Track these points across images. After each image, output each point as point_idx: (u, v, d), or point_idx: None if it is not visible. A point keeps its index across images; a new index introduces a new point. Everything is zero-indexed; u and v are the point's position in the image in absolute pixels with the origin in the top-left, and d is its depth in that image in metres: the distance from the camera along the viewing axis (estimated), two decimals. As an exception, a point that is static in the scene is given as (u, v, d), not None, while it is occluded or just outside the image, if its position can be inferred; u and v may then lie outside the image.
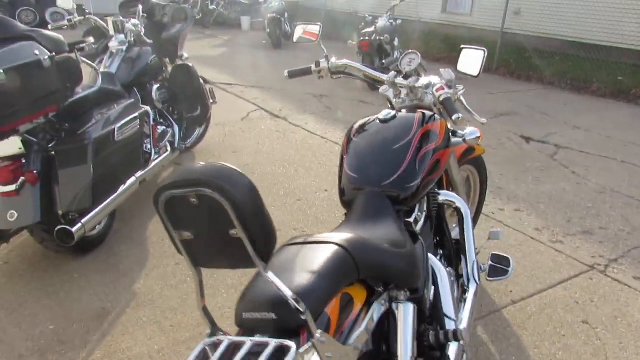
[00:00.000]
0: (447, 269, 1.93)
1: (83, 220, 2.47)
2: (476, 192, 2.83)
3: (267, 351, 0.98)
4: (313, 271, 1.14)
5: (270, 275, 0.98)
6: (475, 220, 2.89)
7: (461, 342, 1.50)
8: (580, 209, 3.63)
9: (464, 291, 1.99)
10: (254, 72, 8.07)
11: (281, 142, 4.77)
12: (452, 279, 1.95)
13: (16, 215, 2.34)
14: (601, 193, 3.91)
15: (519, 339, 2.29)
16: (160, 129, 3.49)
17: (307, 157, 4.40)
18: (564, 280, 2.75)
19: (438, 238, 2.10)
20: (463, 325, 1.78)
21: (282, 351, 0.98)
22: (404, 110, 2.04)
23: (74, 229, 2.39)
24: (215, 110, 5.44)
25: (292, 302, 1.00)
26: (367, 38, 6.89)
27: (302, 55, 8.29)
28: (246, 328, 1.11)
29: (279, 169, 4.11)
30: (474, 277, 2.01)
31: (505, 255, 2.18)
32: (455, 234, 2.15)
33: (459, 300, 1.94)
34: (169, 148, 3.47)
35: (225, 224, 0.93)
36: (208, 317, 1.12)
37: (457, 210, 2.11)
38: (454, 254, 2.10)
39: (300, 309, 1.00)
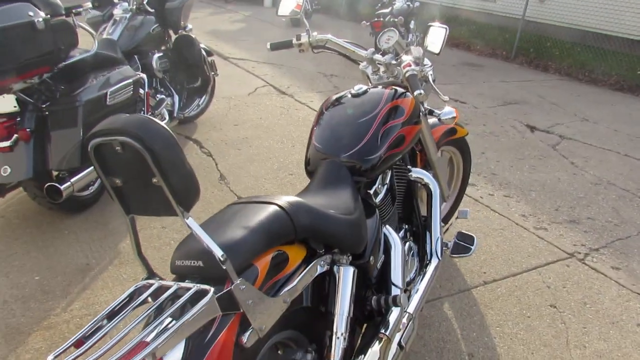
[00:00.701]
0: (409, 243, 1.99)
1: (72, 179, 2.58)
2: (459, 173, 2.86)
3: (187, 294, 1.06)
4: (246, 227, 1.21)
5: (190, 222, 1.05)
6: (458, 200, 2.92)
7: (401, 307, 1.56)
8: (572, 198, 3.63)
9: (426, 265, 2.05)
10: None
11: (284, 118, 4.83)
12: (412, 251, 2.01)
13: (9, 170, 2.46)
14: (596, 184, 3.89)
15: (483, 317, 2.34)
16: (158, 97, 3.58)
17: (305, 133, 4.45)
18: (539, 265, 2.78)
19: (405, 213, 2.15)
20: (417, 297, 1.84)
21: (202, 294, 1.06)
22: (379, 87, 2.07)
23: (62, 187, 2.50)
24: (223, 84, 5.54)
25: (215, 251, 1.07)
26: (380, 19, 6.86)
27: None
28: (179, 274, 1.19)
29: (276, 143, 4.18)
30: (436, 252, 2.06)
31: (470, 234, 2.22)
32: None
33: (418, 273, 2.00)
34: (166, 116, 3.56)
35: (148, 172, 1.00)
36: (144, 263, 1.21)
37: (426, 188, 2.16)
38: (421, 230, 2.16)
39: (220, 258, 1.07)
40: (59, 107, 2.54)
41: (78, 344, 0.99)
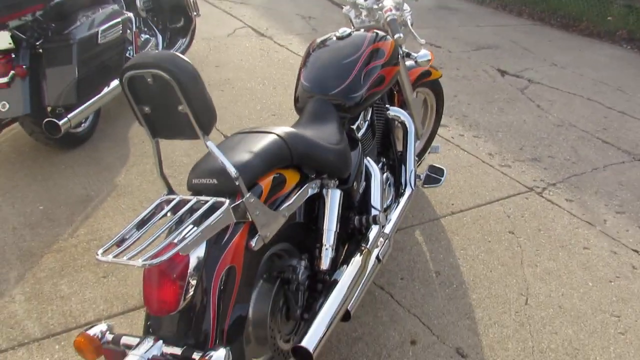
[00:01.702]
0: (386, 174, 2.23)
1: (69, 115, 2.71)
2: (432, 113, 3.08)
3: (206, 205, 1.27)
4: (251, 151, 1.42)
5: (210, 144, 1.24)
6: (431, 138, 3.16)
7: (379, 225, 1.81)
8: (535, 138, 3.91)
9: (401, 194, 2.30)
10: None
11: (264, 60, 4.92)
12: (389, 181, 2.25)
13: (7, 106, 2.58)
14: (558, 126, 4.18)
15: (449, 242, 2.64)
16: (144, 37, 3.64)
17: (286, 75, 4.58)
18: (502, 198, 3.08)
19: (383, 148, 2.38)
20: (393, 220, 2.10)
21: (219, 205, 1.27)
22: (362, 30, 2.24)
23: (60, 122, 2.64)
24: (202, 25, 5.53)
25: (229, 169, 1.27)
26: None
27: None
28: (195, 191, 1.40)
29: (258, 85, 4.31)
30: (410, 182, 2.30)
31: (440, 166, 2.48)
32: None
33: (394, 201, 2.26)
34: (152, 56, 3.64)
35: (174, 100, 1.18)
36: (165, 181, 1.41)
37: (402, 125, 2.38)
38: (397, 163, 2.40)
39: (234, 175, 1.27)
40: (53, 45, 2.63)
41: (118, 243, 1.20)
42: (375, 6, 2.26)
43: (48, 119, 2.62)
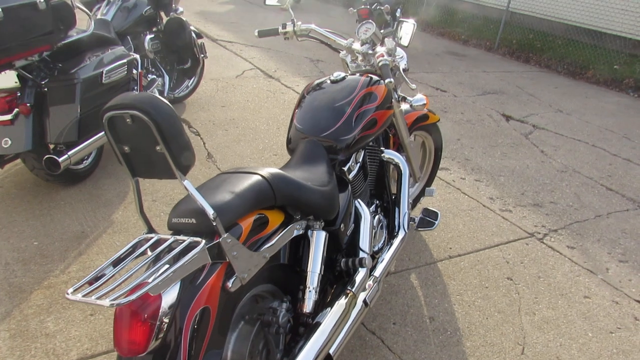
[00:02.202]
0: (378, 216, 2.22)
1: (69, 153, 2.75)
2: (431, 157, 3.08)
3: (182, 245, 1.27)
4: (233, 192, 1.42)
5: (187, 184, 1.25)
6: (429, 182, 3.15)
7: (366, 268, 1.79)
8: (537, 184, 3.88)
9: (394, 237, 2.27)
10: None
11: (270, 101, 5.01)
12: (381, 223, 2.23)
13: (10, 142, 2.63)
14: (562, 172, 4.15)
15: (445, 286, 2.59)
16: (150, 77, 3.74)
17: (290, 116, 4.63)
18: (501, 243, 3.03)
19: (378, 190, 2.37)
20: (383, 263, 2.07)
21: (195, 245, 1.27)
22: (357, 74, 2.27)
23: (60, 159, 2.68)
24: (211, 66, 5.69)
25: (206, 209, 1.27)
26: (367, 6, 7.01)
27: (311, 18, 8.43)
28: (174, 230, 1.40)
29: (262, 125, 4.37)
30: (403, 225, 2.28)
31: (435, 210, 2.46)
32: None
33: (386, 244, 2.23)
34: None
35: (152, 141, 1.19)
36: (145, 220, 1.41)
37: (397, 167, 2.38)
38: (391, 206, 2.38)
39: (211, 215, 1.27)
40: (58, 84, 2.70)
41: (90, 282, 1.20)
42: (370, 51, 2.30)
43: (48, 155, 2.66)
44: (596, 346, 2.30)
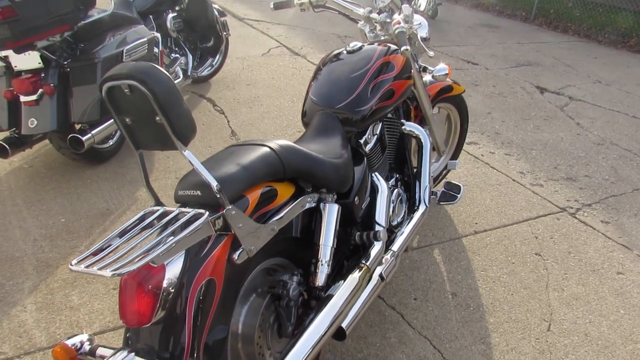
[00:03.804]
0: (398, 190, 2.16)
1: (93, 132, 2.79)
2: (456, 130, 2.99)
3: (186, 216, 1.25)
4: (239, 163, 1.40)
5: (189, 155, 1.23)
6: (455, 156, 3.06)
7: (381, 242, 1.75)
8: (571, 157, 3.73)
9: (414, 211, 2.22)
10: (284, 9, 8.13)
11: (295, 78, 4.96)
12: (400, 197, 2.18)
13: (36, 122, 2.69)
14: (598, 144, 3.97)
15: (469, 262, 2.52)
16: (173, 56, 3.74)
17: (316, 93, 4.58)
18: (530, 218, 2.93)
19: (398, 164, 2.32)
20: (402, 238, 2.02)
21: (199, 216, 1.25)
22: (376, 44, 2.20)
23: (84, 138, 2.72)
24: (237, 44, 5.67)
25: (210, 180, 1.25)
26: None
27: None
28: (181, 202, 1.39)
29: (287, 102, 4.33)
30: (424, 199, 2.22)
31: (457, 183, 2.38)
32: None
33: (406, 218, 2.18)
34: (180, 74, 3.74)
35: (152, 111, 1.18)
36: (151, 192, 1.40)
37: (418, 140, 2.31)
38: (412, 179, 2.32)
39: (215, 187, 1.25)
40: (80, 64, 2.73)
41: (95, 253, 1.20)
42: (388, 20, 2.22)
43: (72, 134, 2.71)
44: (628, 323, 2.20)
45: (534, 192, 3.21)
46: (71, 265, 1.14)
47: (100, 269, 1.10)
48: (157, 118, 1.19)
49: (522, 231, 2.80)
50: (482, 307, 2.25)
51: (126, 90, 1.18)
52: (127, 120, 1.25)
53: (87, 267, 1.12)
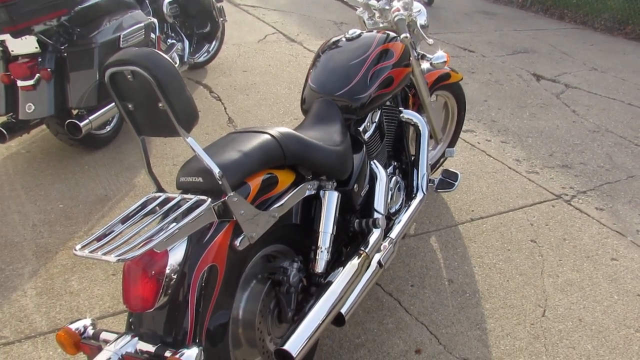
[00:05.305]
0: (396, 177, 2.18)
1: (90, 117, 2.78)
2: (454, 118, 3.00)
3: (188, 203, 1.27)
4: (240, 150, 1.41)
5: (191, 142, 1.24)
6: (452, 143, 3.08)
7: (380, 229, 1.76)
8: (567, 144, 3.75)
9: (412, 199, 2.24)
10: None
11: (292, 65, 4.94)
12: (399, 185, 2.19)
13: (33, 107, 2.68)
14: (594, 132, 4.00)
15: (466, 249, 2.55)
16: (170, 42, 3.72)
17: (313, 79, 4.57)
18: (526, 205, 2.96)
19: (396, 151, 2.33)
20: (399, 225, 2.04)
21: (201, 203, 1.26)
22: (375, 31, 2.20)
23: (81, 124, 2.71)
24: (233, 31, 5.63)
25: (212, 167, 1.26)
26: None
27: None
28: (182, 189, 1.40)
29: (283, 89, 4.32)
30: (421, 187, 2.24)
31: (455, 171, 2.40)
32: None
33: (403, 206, 2.20)
34: (176, 60, 3.72)
35: (154, 97, 1.18)
36: (153, 179, 1.41)
37: (416, 128, 2.32)
38: (410, 167, 2.34)
39: (217, 174, 1.26)
40: (77, 49, 2.72)
41: (99, 238, 1.21)
42: (387, 7, 2.22)
43: (70, 120, 2.70)
44: (622, 309, 2.24)
45: (530, 180, 3.24)
46: (75, 250, 1.15)
47: (104, 254, 1.11)
48: (160, 104, 1.19)
49: (518, 218, 2.83)
50: (478, 293, 2.28)
51: (129, 77, 1.18)
52: (130, 106, 1.26)
53: (91, 252, 1.14)
